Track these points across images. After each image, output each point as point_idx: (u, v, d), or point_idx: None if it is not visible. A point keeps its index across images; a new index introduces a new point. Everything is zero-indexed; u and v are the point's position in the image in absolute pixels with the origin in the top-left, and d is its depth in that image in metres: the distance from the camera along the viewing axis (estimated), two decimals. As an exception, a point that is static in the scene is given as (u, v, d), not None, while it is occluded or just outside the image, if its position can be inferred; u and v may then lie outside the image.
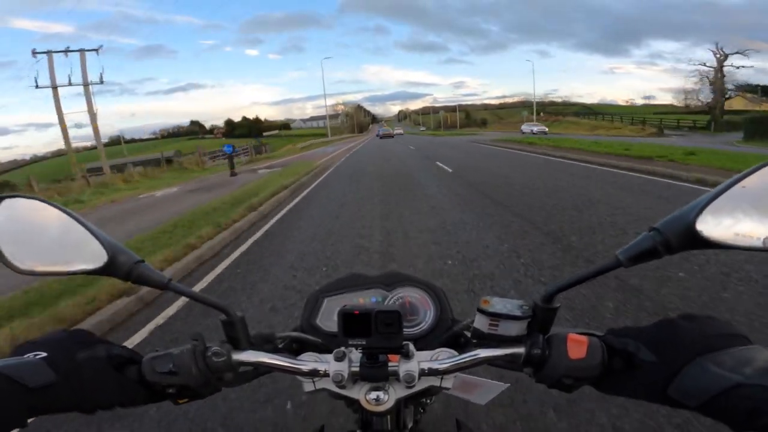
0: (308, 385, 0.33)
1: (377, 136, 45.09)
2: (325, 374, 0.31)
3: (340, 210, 3.77)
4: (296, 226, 3.32)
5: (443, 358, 0.32)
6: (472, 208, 3.45)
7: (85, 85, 11.44)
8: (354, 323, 0.29)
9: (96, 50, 11.83)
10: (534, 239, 2.46)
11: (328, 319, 0.43)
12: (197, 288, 2.15)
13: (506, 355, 0.30)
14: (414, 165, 7.31)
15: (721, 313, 1.42)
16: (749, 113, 19.66)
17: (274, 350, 0.35)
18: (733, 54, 25.73)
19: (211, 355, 0.30)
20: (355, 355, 0.31)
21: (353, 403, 0.37)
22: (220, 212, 3.79)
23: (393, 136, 40.23)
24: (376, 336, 0.29)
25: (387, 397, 0.31)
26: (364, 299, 0.45)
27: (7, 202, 0.29)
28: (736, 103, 29.09)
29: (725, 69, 25.73)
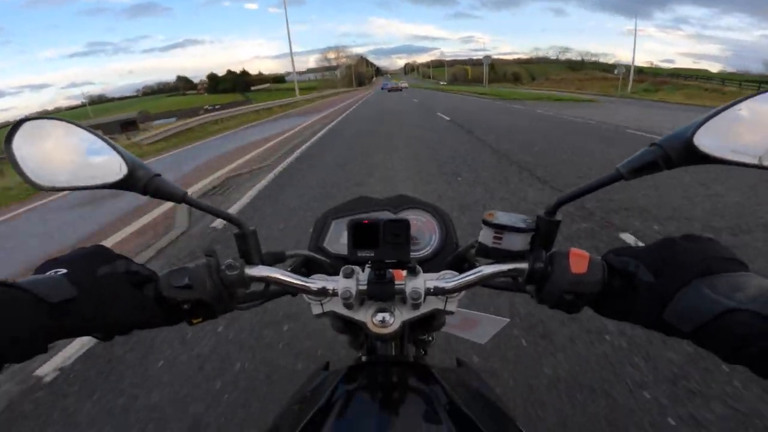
0: (316, 308, 0.35)
1: (382, 89, 43.53)
2: (334, 293, 0.33)
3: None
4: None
5: (448, 277, 0.34)
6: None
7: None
8: (363, 234, 0.31)
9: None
10: None
11: (336, 242, 0.47)
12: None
13: (510, 270, 0.32)
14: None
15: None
16: None
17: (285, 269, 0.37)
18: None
19: (224, 268, 0.32)
20: (363, 275, 0.34)
21: (357, 337, 0.42)
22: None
23: (401, 89, 38.79)
24: (385, 247, 0.31)
25: (393, 319, 0.34)
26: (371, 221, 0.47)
27: (28, 124, 0.31)
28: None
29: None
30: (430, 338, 0.67)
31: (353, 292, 0.33)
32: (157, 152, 6.59)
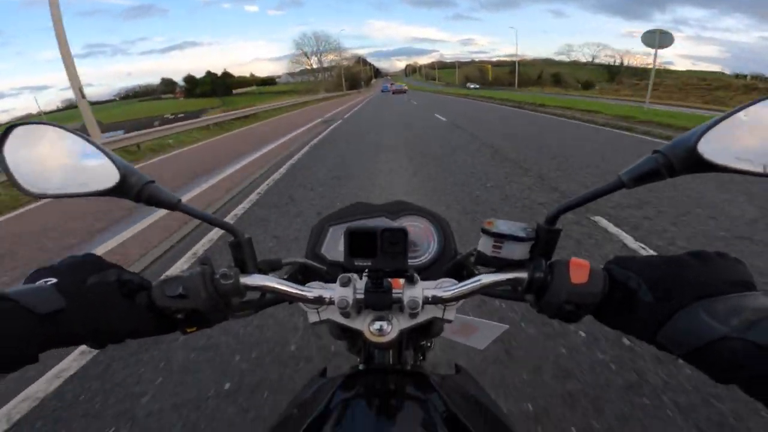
0: (313, 316, 0.39)
1: (383, 91, 46.38)
2: (330, 302, 0.36)
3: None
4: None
5: (447, 285, 0.38)
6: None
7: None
8: (360, 242, 0.35)
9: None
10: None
11: (333, 249, 0.52)
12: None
13: (509, 279, 0.35)
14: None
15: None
16: None
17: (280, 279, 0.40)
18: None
19: (219, 277, 0.36)
20: (360, 283, 0.37)
21: (355, 343, 0.46)
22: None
23: (405, 92, 41.53)
24: (382, 256, 0.35)
25: (390, 328, 0.37)
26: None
27: (19, 129, 0.34)
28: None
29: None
30: (429, 344, 0.73)
31: (350, 301, 0.36)
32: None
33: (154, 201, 0.36)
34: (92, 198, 0.37)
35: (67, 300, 0.31)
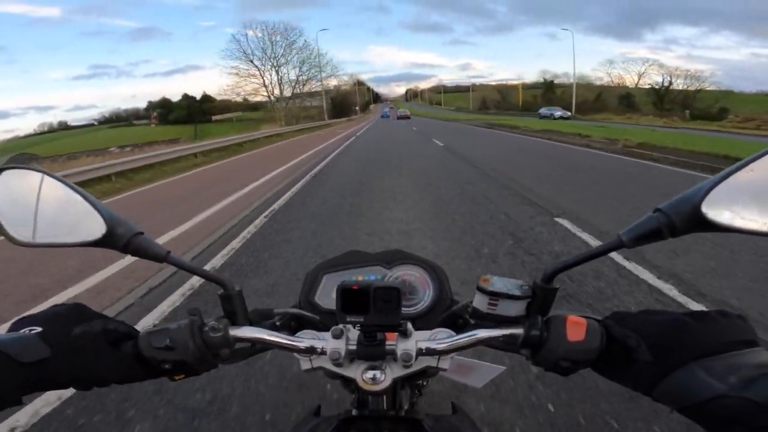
0: (305, 363, 0.44)
1: (383, 117, 53.06)
2: (323, 352, 0.42)
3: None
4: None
5: (441, 338, 0.43)
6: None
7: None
8: (352, 299, 0.40)
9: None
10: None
11: (327, 297, 0.58)
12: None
13: (504, 335, 0.41)
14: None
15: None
16: None
17: (272, 327, 0.47)
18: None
19: (208, 330, 0.41)
20: (353, 333, 0.42)
21: (350, 383, 0.50)
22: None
23: (409, 117, 45.73)
24: (374, 313, 0.40)
25: (384, 377, 0.42)
26: (364, 276, 0.60)
27: (6, 173, 0.39)
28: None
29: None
30: (425, 383, 0.80)
31: (342, 353, 0.41)
32: None
33: (142, 253, 0.41)
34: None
35: (51, 349, 0.36)
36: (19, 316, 0.39)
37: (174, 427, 1.49)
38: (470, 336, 0.42)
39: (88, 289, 2.90)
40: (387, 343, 0.42)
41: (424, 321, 0.55)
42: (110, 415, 1.56)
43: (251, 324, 0.45)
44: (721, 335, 0.34)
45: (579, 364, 0.38)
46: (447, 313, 0.52)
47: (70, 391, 1.34)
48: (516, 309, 0.41)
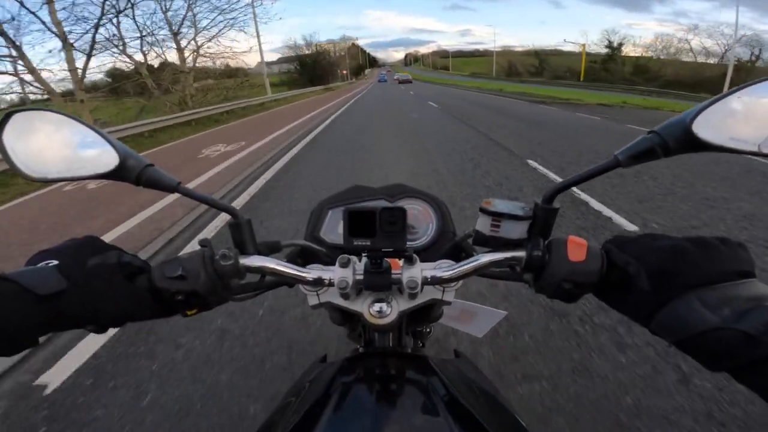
0: (312, 299, 0.52)
1: (379, 81, 62.30)
2: (330, 283, 0.49)
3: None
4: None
5: (445, 266, 0.50)
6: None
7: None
8: (359, 222, 0.47)
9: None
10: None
11: (332, 232, 0.69)
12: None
13: (507, 258, 0.48)
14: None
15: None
16: None
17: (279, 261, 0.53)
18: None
19: (218, 258, 0.48)
20: (359, 265, 0.50)
21: (355, 328, 0.59)
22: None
23: (411, 81, 53.68)
24: (381, 236, 0.47)
25: (390, 310, 0.50)
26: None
27: (18, 115, 0.45)
28: None
29: None
30: (428, 330, 0.92)
31: (350, 282, 0.49)
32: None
33: (153, 184, 0.48)
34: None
35: (68, 281, 0.42)
36: (37, 252, 0.45)
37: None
38: (473, 261, 0.50)
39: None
40: (393, 272, 0.50)
41: (428, 254, 0.65)
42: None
43: (260, 254, 0.53)
44: (718, 264, 0.40)
45: (580, 287, 0.45)
46: (450, 245, 0.62)
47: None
48: (518, 231, 0.48)
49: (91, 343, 2.16)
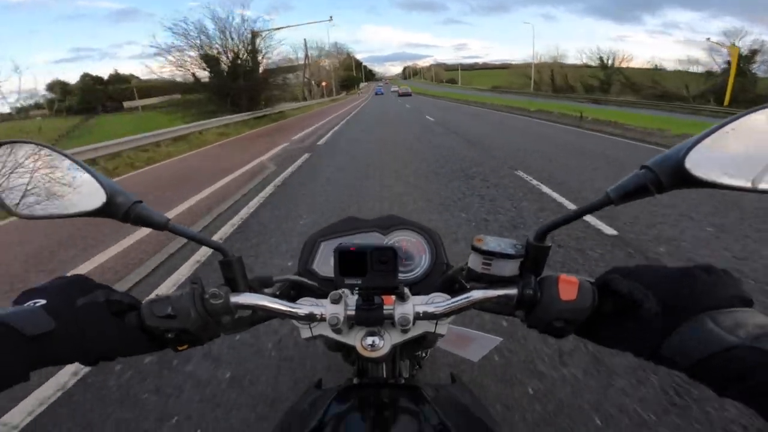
0: (305, 331, 0.63)
1: (376, 94, 72.26)
2: (322, 318, 0.60)
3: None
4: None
5: (438, 301, 0.61)
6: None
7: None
8: (350, 261, 0.56)
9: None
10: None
11: (325, 264, 0.83)
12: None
13: (499, 296, 0.58)
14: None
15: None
16: None
17: (272, 295, 0.64)
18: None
19: (209, 297, 0.57)
20: (351, 299, 0.60)
21: (350, 354, 0.72)
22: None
23: (410, 95, 61.32)
24: (372, 274, 0.56)
25: (382, 343, 0.61)
26: (361, 242, 0.77)
27: (4, 147, 0.53)
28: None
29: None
30: (424, 354, 1.07)
31: (341, 318, 0.59)
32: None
33: (143, 221, 0.57)
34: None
35: (56, 322, 0.50)
36: (23, 290, 0.54)
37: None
38: (466, 298, 0.60)
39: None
40: (385, 307, 0.60)
41: (421, 286, 0.78)
42: None
43: (251, 291, 0.63)
44: (725, 290, 0.48)
45: (572, 324, 0.55)
46: (443, 278, 0.73)
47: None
48: (510, 268, 0.58)
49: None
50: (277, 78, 31.01)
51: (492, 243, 0.59)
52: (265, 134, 17.91)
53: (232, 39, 27.16)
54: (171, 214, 6.62)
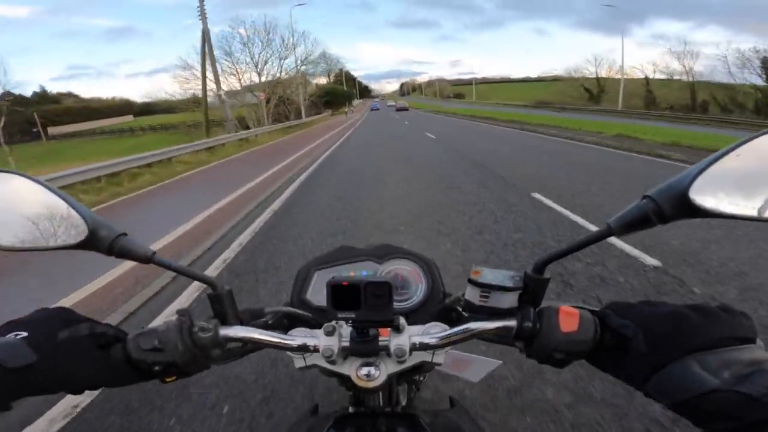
0: (299, 361, 0.73)
1: (372, 110, 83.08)
2: (315, 350, 0.69)
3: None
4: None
5: (434, 332, 0.71)
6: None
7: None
8: (343, 295, 0.65)
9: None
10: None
11: (319, 294, 0.97)
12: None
13: (497, 328, 0.67)
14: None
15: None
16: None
17: (264, 326, 0.75)
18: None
19: (197, 330, 0.67)
20: (346, 329, 0.70)
21: (346, 381, 0.77)
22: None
23: (407, 109, 68.82)
24: (366, 308, 0.65)
25: (378, 373, 0.70)
26: (355, 272, 1.02)
27: None
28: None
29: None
30: (422, 378, 1.21)
31: (335, 350, 0.68)
32: None
33: (127, 254, 0.66)
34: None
35: (38, 354, 0.58)
36: (4, 322, 0.63)
37: None
38: (463, 330, 0.70)
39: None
40: (380, 338, 0.70)
41: (417, 315, 0.91)
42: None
43: (242, 323, 0.74)
44: (719, 330, 0.56)
45: (573, 355, 0.64)
46: (440, 307, 0.88)
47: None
48: (508, 300, 0.68)
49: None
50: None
51: (490, 275, 0.69)
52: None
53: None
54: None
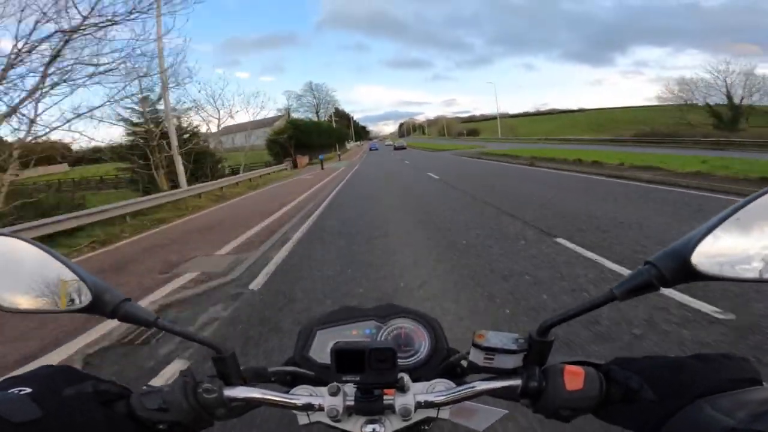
0: (303, 418, 0.88)
1: (371, 149, 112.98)
2: (320, 408, 0.85)
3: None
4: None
5: (439, 389, 0.88)
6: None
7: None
8: (347, 359, 0.81)
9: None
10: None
11: (322, 351, 1.16)
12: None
13: (503, 387, 0.83)
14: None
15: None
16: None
17: (267, 382, 0.96)
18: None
19: (201, 391, 0.83)
20: (350, 388, 0.86)
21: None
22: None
23: (405, 148, 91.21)
24: (370, 372, 0.81)
25: (383, 430, 0.86)
26: (358, 331, 1.23)
27: None
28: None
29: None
30: (427, 427, 1.32)
31: (340, 409, 0.85)
32: None
33: (130, 318, 0.82)
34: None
35: (42, 410, 0.69)
36: (5, 377, 0.75)
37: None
38: (469, 388, 0.85)
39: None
40: (385, 397, 0.85)
41: (421, 372, 1.07)
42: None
43: (245, 382, 0.90)
44: (724, 374, 0.67)
45: (579, 411, 0.78)
46: (445, 363, 1.05)
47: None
48: (513, 361, 0.82)
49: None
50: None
51: (494, 339, 0.83)
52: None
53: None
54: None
